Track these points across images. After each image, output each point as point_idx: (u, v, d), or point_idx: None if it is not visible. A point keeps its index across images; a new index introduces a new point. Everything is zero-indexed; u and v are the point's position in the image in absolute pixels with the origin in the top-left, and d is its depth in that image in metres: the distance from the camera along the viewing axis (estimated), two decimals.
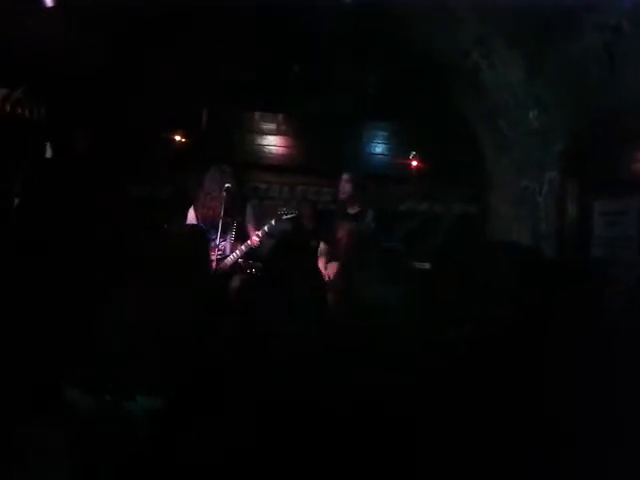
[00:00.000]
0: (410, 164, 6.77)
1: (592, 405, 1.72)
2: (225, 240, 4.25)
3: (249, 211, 4.38)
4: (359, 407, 1.82)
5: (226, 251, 4.26)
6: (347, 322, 2.32)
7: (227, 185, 4.12)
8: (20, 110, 4.75)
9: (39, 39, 4.64)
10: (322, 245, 4.78)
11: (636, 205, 3.73)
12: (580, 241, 4.29)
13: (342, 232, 4.61)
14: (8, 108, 4.71)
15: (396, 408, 1.79)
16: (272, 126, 6.88)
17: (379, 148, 6.97)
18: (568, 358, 1.86)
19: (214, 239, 4.10)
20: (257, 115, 6.89)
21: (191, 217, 4.30)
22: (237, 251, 4.22)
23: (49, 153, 4.99)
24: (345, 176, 4.70)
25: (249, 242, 4.20)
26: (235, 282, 4.17)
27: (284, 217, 4.32)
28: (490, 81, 5.31)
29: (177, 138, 6.53)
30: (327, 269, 4.55)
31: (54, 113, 5.07)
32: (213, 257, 4.11)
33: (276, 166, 6.87)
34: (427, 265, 5.43)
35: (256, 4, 5.38)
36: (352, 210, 4.67)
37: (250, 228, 4.31)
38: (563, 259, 4.19)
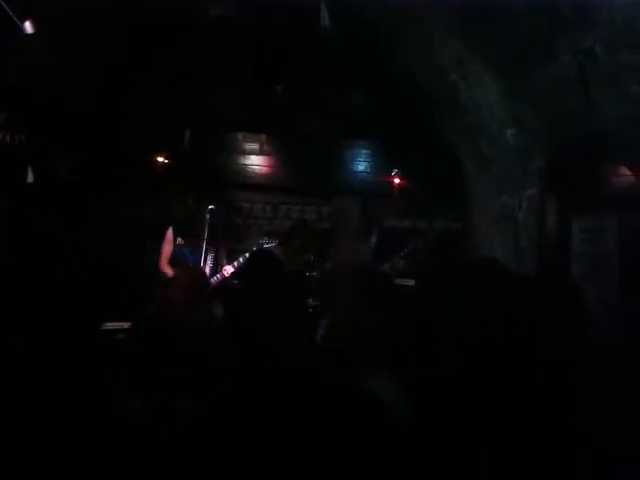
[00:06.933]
0: (392, 182, 6.84)
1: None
2: (207, 261, 4.28)
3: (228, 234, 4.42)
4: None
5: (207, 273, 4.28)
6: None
7: (210, 207, 4.17)
8: (1, 135, 4.74)
9: (20, 64, 4.64)
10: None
11: (613, 222, 3.81)
12: (560, 257, 4.37)
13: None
14: None
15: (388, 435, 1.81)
16: (255, 146, 6.94)
17: (361, 166, 7.04)
18: (549, 377, 1.88)
19: (196, 260, 4.15)
20: (240, 135, 6.94)
21: (169, 237, 4.35)
22: (218, 275, 4.25)
23: (30, 178, 4.97)
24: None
25: (224, 272, 4.24)
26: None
27: (264, 246, 4.37)
28: (469, 101, 5.40)
29: (160, 159, 6.53)
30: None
31: (36, 138, 5.05)
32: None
33: (259, 185, 6.91)
34: (411, 282, 5.47)
35: (239, 26, 5.44)
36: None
37: (224, 254, 4.36)
38: (543, 275, 4.24)
